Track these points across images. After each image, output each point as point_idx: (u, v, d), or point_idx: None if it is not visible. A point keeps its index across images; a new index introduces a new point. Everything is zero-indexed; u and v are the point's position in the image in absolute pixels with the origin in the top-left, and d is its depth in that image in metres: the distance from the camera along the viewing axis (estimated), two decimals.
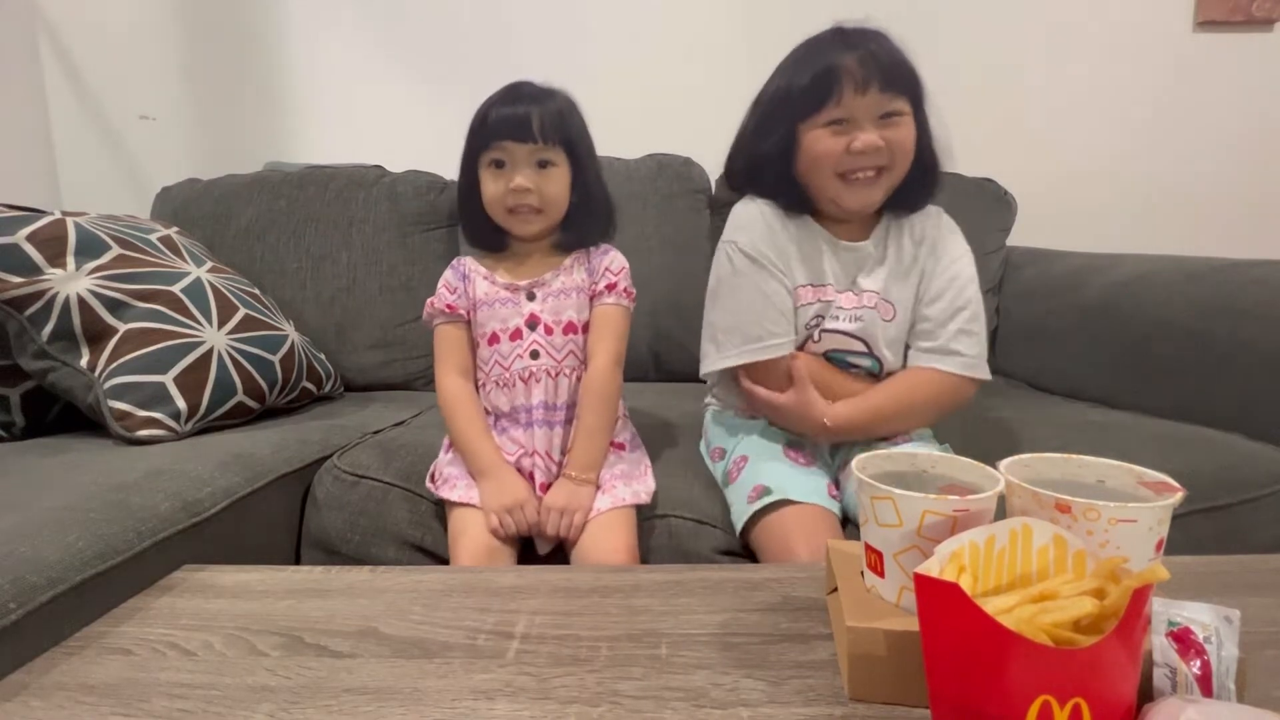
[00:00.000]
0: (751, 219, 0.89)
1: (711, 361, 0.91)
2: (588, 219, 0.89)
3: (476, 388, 0.90)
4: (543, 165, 0.83)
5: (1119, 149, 1.64)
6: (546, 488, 0.84)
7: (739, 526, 0.82)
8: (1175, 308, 1.06)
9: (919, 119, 0.85)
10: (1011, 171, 1.46)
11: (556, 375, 0.86)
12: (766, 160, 0.88)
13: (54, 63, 1.69)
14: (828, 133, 0.83)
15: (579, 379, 0.87)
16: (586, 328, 0.88)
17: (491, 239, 0.90)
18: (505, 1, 1.65)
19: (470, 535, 0.79)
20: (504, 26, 1.65)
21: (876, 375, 0.90)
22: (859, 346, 0.89)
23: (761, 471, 0.84)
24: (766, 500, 0.80)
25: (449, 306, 0.88)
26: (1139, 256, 1.22)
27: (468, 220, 0.90)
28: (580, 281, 0.88)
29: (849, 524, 0.82)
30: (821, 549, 0.72)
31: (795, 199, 0.89)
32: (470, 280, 0.89)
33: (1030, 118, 1.64)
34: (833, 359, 0.90)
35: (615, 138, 1.41)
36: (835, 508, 0.82)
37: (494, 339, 0.88)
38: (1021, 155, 1.59)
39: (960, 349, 0.87)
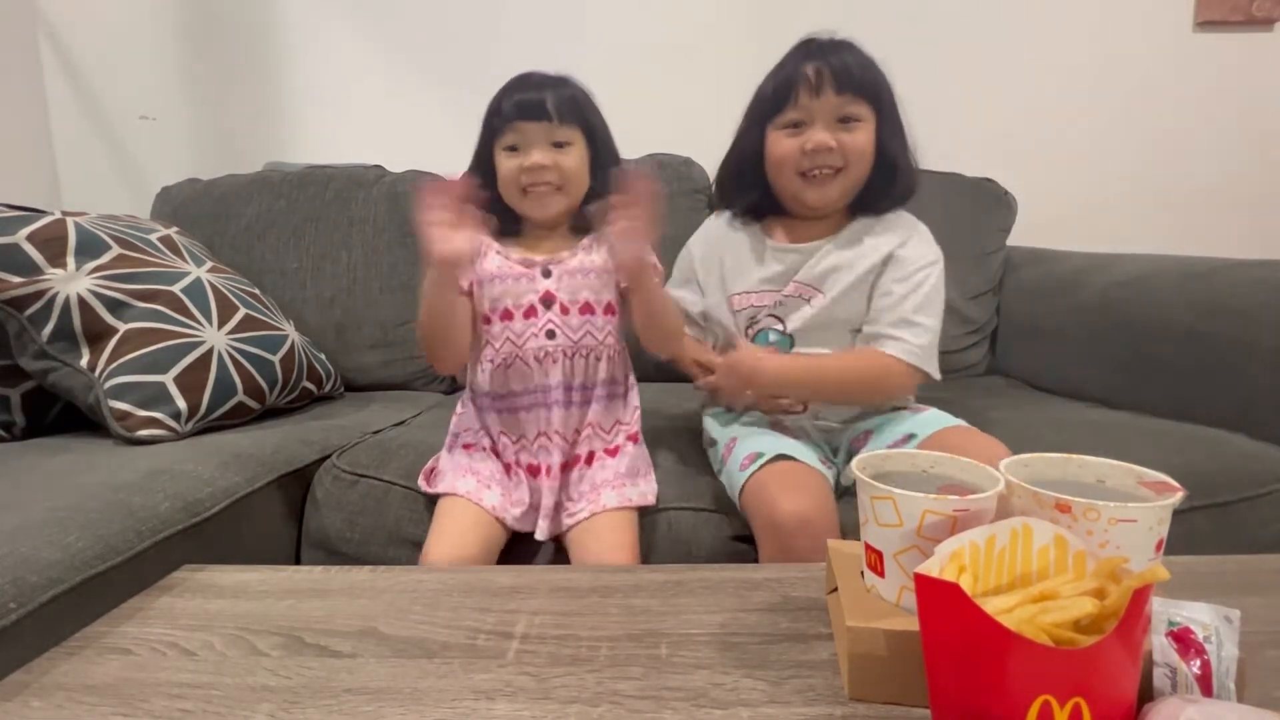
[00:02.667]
0: (697, 237, 1.02)
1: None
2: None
3: (472, 365, 0.89)
4: (558, 146, 0.83)
5: (1119, 149, 1.64)
6: (565, 467, 0.85)
7: (736, 496, 0.83)
8: (1175, 308, 1.06)
9: (885, 126, 0.88)
10: (1011, 171, 1.46)
11: (573, 355, 0.86)
12: (744, 163, 0.93)
13: (54, 63, 1.69)
14: (785, 134, 0.88)
15: (596, 359, 0.87)
16: (608, 309, 0.88)
17: (503, 223, 0.88)
18: (505, 1, 1.65)
19: (453, 516, 0.80)
20: (504, 26, 1.65)
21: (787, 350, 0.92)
22: (775, 324, 0.92)
23: (753, 443, 0.85)
24: (760, 463, 0.80)
25: None
26: (1139, 256, 1.22)
27: (480, 207, 0.90)
28: (600, 262, 0.87)
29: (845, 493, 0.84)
30: (808, 504, 0.75)
31: (765, 199, 0.94)
32: (482, 254, 0.88)
33: (1030, 117, 1.64)
34: (757, 339, 0.93)
35: (616, 138, 1.41)
36: (829, 474, 0.83)
37: (506, 315, 0.86)
38: (1021, 155, 1.59)
39: (903, 335, 0.87)
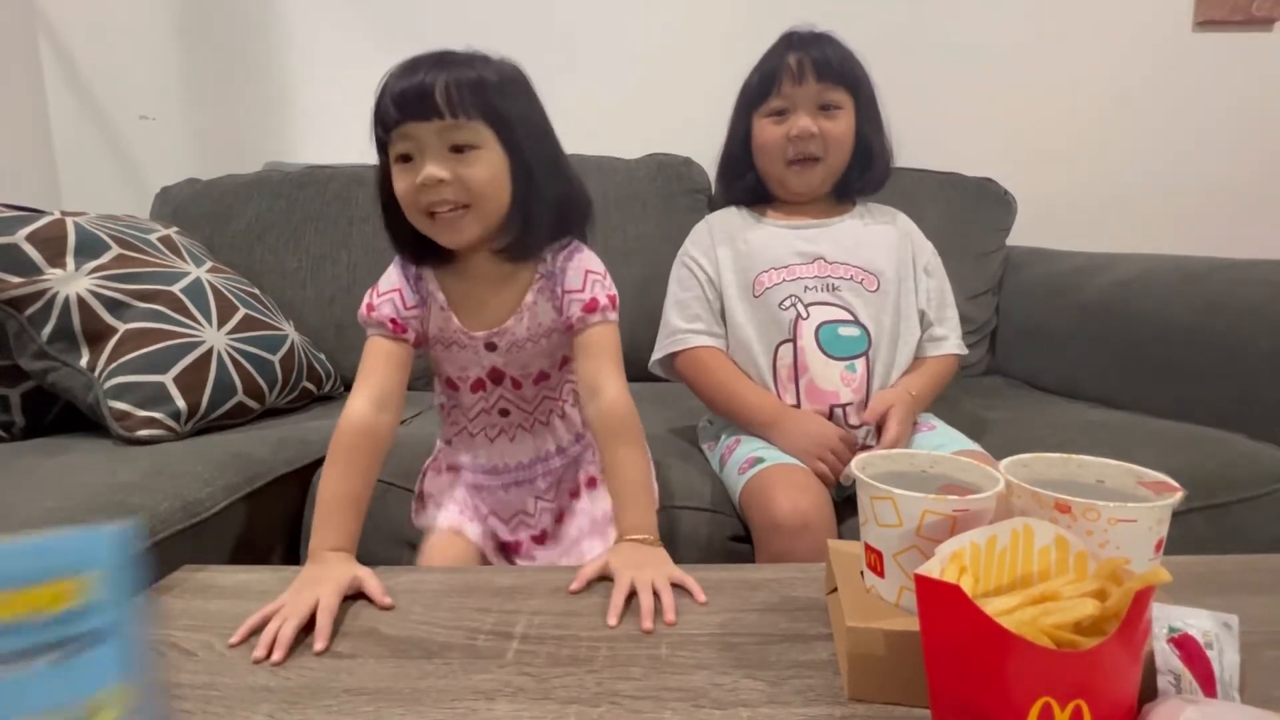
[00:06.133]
0: (698, 235, 1.02)
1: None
2: (534, 219, 0.67)
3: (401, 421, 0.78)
4: (459, 150, 0.63)
5: (1119, 149, 1.64)
6: (542, 537, 0.79)
7: (736, 498, 0.83)
8: (1175, 308, 1.06)
9: (863, 115, 0.93)
10: (1011, 171, 1.46)
11: (532, 426, 0.78)
12: (735, 151, 0.98)
13: (54, 63, 1.69)
14: (770, 122, 0.93)
15: (561, 416, 0.79)
16: (563, 364, 0.77)
17: (419, 251, 0.70)
18: (506, 2, 1.65)
19: (436, 552, 0.75)
20: (505, 27, 1.65)
21: (865, 352, 0.89)
22: (845, 315, 0.90)
23: (753, 447, 0.86)
24: (759, 468, 0.81)
25: (394, 322, 0.71)
26: (1139, 256, 1.22)
27: (392, 232, 0.71)
28: (550, 322, 0.72)
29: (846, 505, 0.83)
30: (804, 505, 0.75)
31: (760, 184, 0.99)
32: (428, 307, 0.73)
33: (1030, 118, 1.64)
34: (825, 332, 0.89)
35: (615, 138, 1.41)
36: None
37: (452, 385, 0.77)
38: (1021, 155, 1.59)
39: (952, 332, 0.97)
